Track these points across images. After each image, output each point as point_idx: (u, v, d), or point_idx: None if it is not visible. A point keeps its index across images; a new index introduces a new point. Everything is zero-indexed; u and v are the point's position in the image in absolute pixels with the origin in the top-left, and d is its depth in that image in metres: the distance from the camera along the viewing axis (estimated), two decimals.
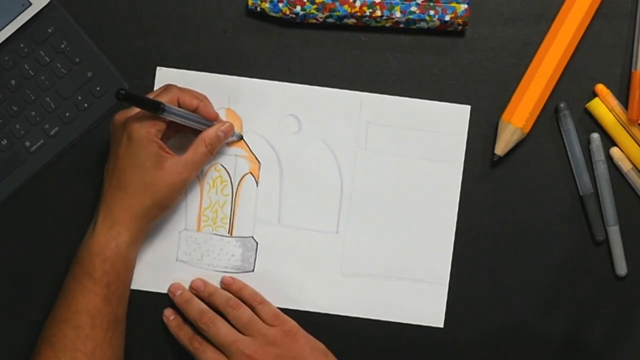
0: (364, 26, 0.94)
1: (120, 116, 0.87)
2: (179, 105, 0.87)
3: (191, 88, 0.92)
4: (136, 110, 0.86)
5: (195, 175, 0.90)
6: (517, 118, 0.92)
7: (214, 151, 0.90)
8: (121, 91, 0.79)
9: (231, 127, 0.91)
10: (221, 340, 0.88)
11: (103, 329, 0.85)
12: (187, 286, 0.93)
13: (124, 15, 0.94)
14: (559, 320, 0.95)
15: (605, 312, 0.95)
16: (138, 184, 0.85)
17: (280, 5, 0.92)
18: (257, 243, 0.94)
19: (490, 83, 0.95)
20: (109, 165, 0.88)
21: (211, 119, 0.90)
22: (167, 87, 0.88)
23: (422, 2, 0.93)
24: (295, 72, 0.94)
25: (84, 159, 0.94)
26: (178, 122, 0.87)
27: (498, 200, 0.95)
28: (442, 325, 0.94)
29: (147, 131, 0.85)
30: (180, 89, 0.89)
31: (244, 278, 0.94)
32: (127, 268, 0.88)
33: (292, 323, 0.91)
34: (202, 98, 0.91)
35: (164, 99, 0.86)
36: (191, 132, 0.90)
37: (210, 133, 0.89)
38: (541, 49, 0.94)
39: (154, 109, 0.83)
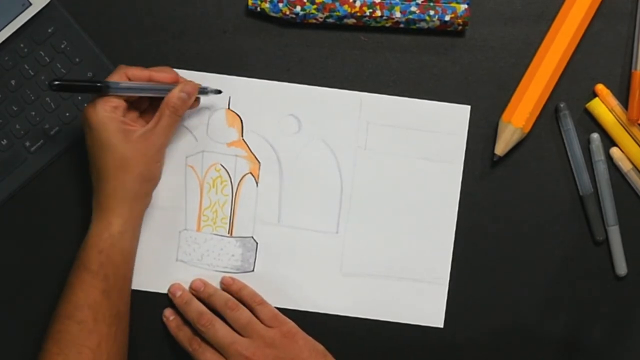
0: (364, 26, 0.93)
1: (83, 114, 0.85)
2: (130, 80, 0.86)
3: None
4: (96, 98, 0.84)
5: (169, 140, 0.87)
6: (517, 118, 0.91)
7: (180, 112, 0.87)
8: (54, 82, 0.78)
9: (194, 85, 0.87)
10: (220, 341, 0.87)
11: (106, 323, 0.83)
12: (187, 286, 0.92)
13: (124, 15, 0.93)
14: (559, 320, 0.93)
15: (605, 312, 0.94)
16: (112, 165, 0.83)
17: (280, 5, 0.91)
18: (257, 243, 0.93)
19: (490, 83, 0.93)
20: (90, 162, 0.86)
21: (171, 82, 0.87)
22: (117, 68, 0.86)
23: (422, 2, 0.91)
24: (295, 72, 0.93)
25: (84, 159, 0.91)
26: (134, 95, 0.85)
27: (498, 200, 0.93)
28: (442, 325, 0.93)
29: (102, 110, 0.83)
30: (128, 66, 0.87)
31: (243, 278, 0.92)
32: (125, 259, 0.86)
33: (291, 324, 0.89)
34: (157, 69, 0.87)
35: (112, 79, 0.84)
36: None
37: (171, 95, 0.86)
38: (541, 49, 0.93)
39: (97, 90, 0.82)
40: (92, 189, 0.86)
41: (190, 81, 0.88)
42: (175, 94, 0.86)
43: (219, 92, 0.91)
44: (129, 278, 0.88)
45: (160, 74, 0.87)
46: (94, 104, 0.84)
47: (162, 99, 0.87)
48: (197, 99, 0.90)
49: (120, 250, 0.85)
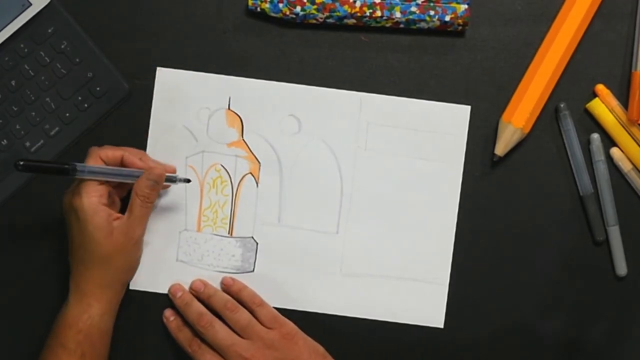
0: (364, 26, 0.92)
1: (67, 197, 0.84)
2: (106, 163, 0.84)
3: (191, 88, 0.91)
4: (80, 184, 0.83)
5: (145, 228, 0.86)
6: (517, 118, 0.90)
7: (151, 199, 0.85)
8: (19, 162, 0.78)
9: (160, 172, 0.85)
10: (219, 343, 0.86)
11: None
12: (187, 286, 0.91)
13: (124, 15, 0.92)
14: (559, 320, 0.93)
15: (605, 312, 0.93)
16: (95, 257, 0.83)
17: (281, 5, 0.90)
18: (257, 243, 0.92)
19: (490, 83, 0.92)
20: (69, 243, 0.85)
21: (140, 168, 0.85)
22: (89, 151, 0.85)
23: (422, 2, 0.90)
24: (295, 72, 0.92)
25: (83, 159, 0.90)
26: (102, 180, 0.83)
27: (498, 200, 0.92)
28: (442, 325, 0.92)
29: (88, 202, 0.82)
30: (100, 147, 0.85)
31: (244, 278, 0.91)
32: (102, 338, 0.85)
33: (290, 326, 0.88)
34: (130, 151, 0.86)
35: (88, 163, 0.83)
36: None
37: (139, 183, 0.84)
38: (541, 49, 0.92)
39: (63, 172, 0.81)
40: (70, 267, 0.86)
41: (157, 167, 0.86)
42: (142, 182, 0.84)
43: (188, 181, 0.90)
44: (105, 355, 0.86)
45: (131, 157, 0.85)
46: (79, 193, 0.82)
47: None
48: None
49: (98, 330, 0.84)
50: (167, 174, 0.87)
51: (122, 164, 0.85)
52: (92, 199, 0.82)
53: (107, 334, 0.86)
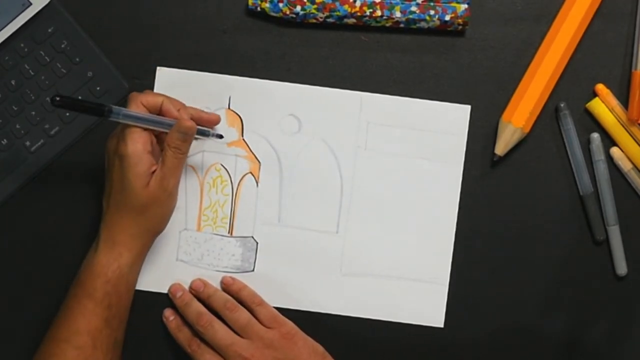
0: (364, 26, 0.91)
1: (112, 141, 0.84)
2: (149, 110, 0.83)
3: (191, 88, 0.91)
4: (125, 130, 0.81)
5: (179, 178, 0.85)
6: (517, 118, 0.89)
7: (183, 150, 0.84)
8: (56, 97, 0.76)
9: (190, 123, 0.83)
10: (218, 343, 0.86)
11: (103, 351, 0.82)
12: (187, 286, 0.91)
13: (124, 15, 0.92)
14: (559, 320, 0.92)
15: (605, 312, 0.92)
16: (131, 205, 0.82)
17: (281, 5, 0.89)
18: (257, 243, 0.91)
19: (490, 83, 0.92)
20: (106, 188, 0.84)
21: (175, 118, 0.84)
22: (129, 97, 0.84)
23: (422, 2, 0.90)
24: (295, 72, 0.91)
25: (84, 159, 0.91)
26: (137, 125, 0.82)
27: (498, 200, 0.92)
28: (442, 325, 0.91)
29: (133, 149, 0.81)
30: (140, 93, 0.84)
31: (244, 278, 0.91)
32: (129, 290, 0.85)
33: (290, 325, 0.88)
34: (170, 98, 0.85)
35: (130, 108, 0.82)
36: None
37: (170, 134, 0.83)
38: (541, 49, 0.91)
39: (98, 113, 0.79)
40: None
41: (188, 120, 0.84)
42: (173, 134, 0.83)
43: (221, 136, 0.89)
44: (128, 308, 0.86)
45: (169, 106, 0.84)
46: (124, 140, 0.81)
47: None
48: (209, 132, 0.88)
49: (126, 281, 0.84)
50: (199, 127, 0.85)
51: (160, 111, 0.84)
52: (138, 146, 0.81)
53: (133, 287, 0.86)
